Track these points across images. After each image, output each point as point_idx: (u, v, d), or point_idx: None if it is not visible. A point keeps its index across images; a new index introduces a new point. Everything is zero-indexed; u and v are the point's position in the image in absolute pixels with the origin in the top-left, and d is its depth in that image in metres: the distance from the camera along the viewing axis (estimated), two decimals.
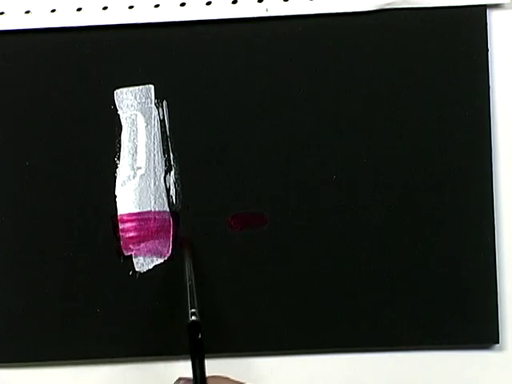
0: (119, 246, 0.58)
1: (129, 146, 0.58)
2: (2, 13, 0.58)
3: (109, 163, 0.58)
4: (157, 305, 0.58)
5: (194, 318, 0.49)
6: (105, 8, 0.58)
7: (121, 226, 0.58)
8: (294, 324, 0.58)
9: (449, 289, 0.58)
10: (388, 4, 0.58)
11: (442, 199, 0.58)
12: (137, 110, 0.58)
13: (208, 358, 0.55)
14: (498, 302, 0.58)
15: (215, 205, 0.58)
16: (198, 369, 0.48)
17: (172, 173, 0.58)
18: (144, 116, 0.58)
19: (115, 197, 0.58)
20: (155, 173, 0.58)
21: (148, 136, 0.58)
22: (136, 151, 0.58)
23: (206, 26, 0.58)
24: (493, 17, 0.58)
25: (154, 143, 0.58)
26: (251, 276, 0.58)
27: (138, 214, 0.58)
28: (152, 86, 0.58)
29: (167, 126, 0.58)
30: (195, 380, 0.47)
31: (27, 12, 0.58)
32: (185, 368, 0.57)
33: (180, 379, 0.50)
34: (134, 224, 0.58)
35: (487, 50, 0.58)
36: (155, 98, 0.58)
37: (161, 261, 0.58)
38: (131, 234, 0.58)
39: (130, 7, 0.58)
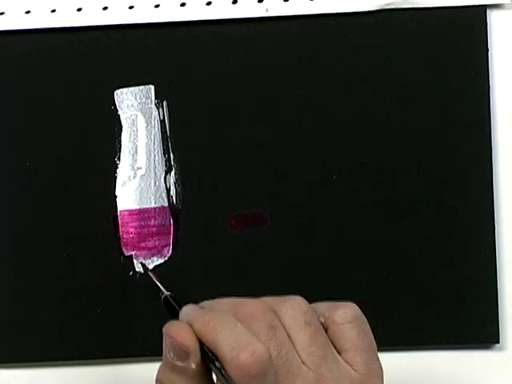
0: (119, 246, 0.58)
1: (129, 147, 0.58)
2: (2, 13, 0.58)
3: (109, 163, 0.58)
4: (157, 305, 0.58)
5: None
6: (105, 8, 0.58)
7: (121, 227, 0.58)
8: None
9: (449, 289, 0.58)
10: (388, 4, 0.58)
11: (442, 199, 0.58)
12: (137, 111, 0.58)
13: None
14: (498, 302, 0.58)
15: (215, 205, 0.58)
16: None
17: (172, 173, 0.58)
18: (144, 116, 0.58)
19: (115, 197, 0.58)
20: (155, 173, 0.58)
21: (148, 136, 0.58)
22: (136, 151, 0.58)
23: (206, 26, 0.58)
24: (493, 17, 0.58)
25: (154, 143, 0.58)
26: (251, 276, 0.58)
27: (139, 214, 0.58)
28: (152, 86, 0.58)
29: (167, 126, 0.58)
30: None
31: (27, 12, 0.58)
32: None
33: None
34: (134, 224, 0.58)
35: (487, 50, 0.58)
36: (155, 99, 0.58)
37: (161, 261, 0.58)
38: (131, 234, 0.58)
39: (130, 7, 0.58)
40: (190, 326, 0.44)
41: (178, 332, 0.44)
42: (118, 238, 0.58)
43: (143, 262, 0.58)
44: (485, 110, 0.58)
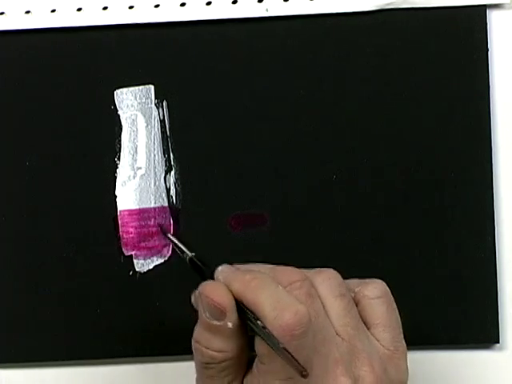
0: (119, 246, 0.58)
1: (129, 146, 0.58)
2: (2, 13, 0.58)
3: (109, 163, 0.58)
4: (157, 305, 0.58)
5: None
6: (105, 8, 0.58)
7: (121, 226, 0.58)
8: None
9: (449, 289, 0.58)
10: (388, 4, 0.58)
11: (442, 199, 0.58)
12: (137, 110, 0.58)
13: None
14: (498, 301, 0.58)
15: (215, 205, 0.58)
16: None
17: (172, 173, 0.58)
18: (144, 116, 0.58)
19: (115, 197, 0.58)
20: (155, 173, 0.58)
21: (148, 136, 0.58)
22: (136, 151, 0.58)
23: (206, 25, 0.58)
24: (493, 17, 0.58)
25: (154, 143, 0.58)
26: None
27: (139, 213, 0.58)
28: (152, 86, 0.58)
29: (167, 126, 0.58)
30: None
31: (27, 12, 0.58)
32: (185, 368, 0.57)
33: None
34: (134, 224, 0.58)
35: (487, 50, 0.58)
36: (155, 98, 0.58)
37: (161, 261, 0.58)
38: (131, 234, 0.58)
39: (130, 7, 0.58)
40: (228, 285, 0.45)
41: (213, 291, 0.44)
42: (118, 238, 0.58)
43: (162, 224, 0.57)
44: (485, 109, 0.58)
